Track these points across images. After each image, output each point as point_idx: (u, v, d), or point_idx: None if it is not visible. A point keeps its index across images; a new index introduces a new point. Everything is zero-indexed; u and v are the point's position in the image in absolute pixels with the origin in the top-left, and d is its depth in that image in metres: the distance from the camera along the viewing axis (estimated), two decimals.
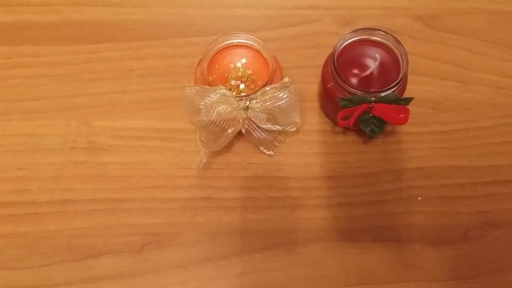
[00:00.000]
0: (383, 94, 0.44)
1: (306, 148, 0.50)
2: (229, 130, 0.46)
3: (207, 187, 0.49)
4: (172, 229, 0.48)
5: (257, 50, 0.50)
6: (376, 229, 0.47)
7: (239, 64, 0.50)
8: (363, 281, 0.46)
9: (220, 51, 0.50)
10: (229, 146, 0.50)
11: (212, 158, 0.50)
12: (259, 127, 0.48)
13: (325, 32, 0.55)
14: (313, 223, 0.48)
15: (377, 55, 0.46)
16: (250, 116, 0.46)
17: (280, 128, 0.49)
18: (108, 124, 0.52)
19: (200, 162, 0.48)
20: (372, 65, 0.46)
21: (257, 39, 0.49)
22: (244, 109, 0.46)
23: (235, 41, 0.50)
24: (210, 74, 0.49)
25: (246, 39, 0.50)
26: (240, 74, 0.49)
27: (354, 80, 0.47)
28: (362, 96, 0.44)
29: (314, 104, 0.52)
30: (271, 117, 0.48)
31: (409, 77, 0.47)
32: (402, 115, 0.45)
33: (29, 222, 0.48)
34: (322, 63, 0.49)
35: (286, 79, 0.46)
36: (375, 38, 0.47)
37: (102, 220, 0.48)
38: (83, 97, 0.53)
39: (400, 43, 0.45)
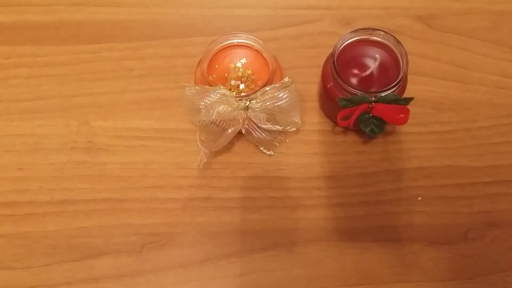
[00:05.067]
0: (383, 94, 0.44)
1: (306, 148, 0.50)
2: (229, 130, 0.46)
3: (207, 187, 0.49)
4: (172, 229, 0.48)
5: (257, 50, 0.50)
6: (376, 229, 0.47)
7: (239, 64, 0.50)
8: (363, 281, 0.46)
9: (220, 51, 0.50)
10: (229, 146, 0.50)
11: (212, 158, 0.50)
12: (259, 127, 0.48)
13: (325, 32, 0.55)
14: (313, 223, 0.48)
15: (377, 55, 0.46)
16: (250, 116, 0.46)
17: (280, 128, 0.49)
18: (108, 124, 0.52)
19: (200, 162, 0.48)
20: (372, 65, 0.46)
21: (257, 39, 0.49)
22: (244, 109, 0.46)
23: (235, 41, 0.50)
24: (210, 74, 0.49)
25: (246, 39, 0.50)
26: (240, 74, 0.49)
27: (354, 80, 0.47)
28: (362, 96, 0.44)
29: (314, 104, 0.52)
30: (271, 117, 0.48)
31: (409, 77, 0.47)
32: (402, 115, 0.45)
33: (29, 222, 0.48)
34: (322, 63, 0.49)
35: (286, 79, 0.46)
36: (375, 38, 0.47)
37: (102, 220, 0.48)
38: (83, 97, 0.53)
39: (400, 43, 0.45)
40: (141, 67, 0.54)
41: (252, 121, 0.47)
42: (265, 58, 0.49)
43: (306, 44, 0.55)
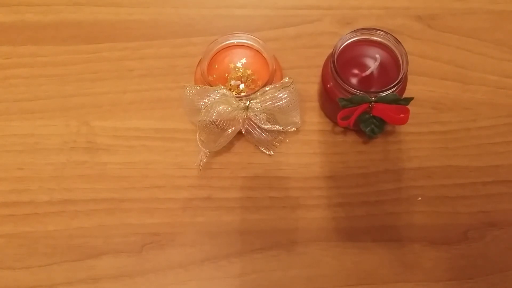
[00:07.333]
0: (383, 94, 0.44)
1: (306, 148, 0.50)
2: (229, 130, 0.46)
3: (207, 187, 0.49)
4: (172, 229, 0.48)
5: (257, 50, 0.50)
6: (376, 229, 0.47)
7: (239, 64, 0.50)
8: (363, 281, 0.46)
9: (220, 51, 0.50)
10: (229, 146, 0.50)
11: (212, 158, 0.50)
12: (259, 127, 0.48)
13: (325, 32, 0.55)
14: (313, 223, 0.48)
15: (377, 55, 0.46)
16: (250, 116, 0.46)
17: (280, 128, 0.49)
18: (108, 124, 0.52)
19: (200, 162, 0.48)
20: (372, 65, 0.46)
21: (257, 39, 0.49)
22: (244, 109, 0.46)
23: (235, 41, 0.50)
24: (210, 74, 0.49)
25: (246, 39, 0.50)
26: (240, 74, 0.49)
27: (354, 80, 0.47)
28: (362, 96, 0.44)
29: (314, 104, 0.52)
30: (271, 117, 0.48)
31: (409, 77, 0.47)
32: (402, 115, 0.45)
33: (29, 222, 0.48)
34: (322, 63, 0.49)
35: (286, 79, 0.46)
36: (375, 38, 0.47)
37: (102, 220, 0.48)
38: (83, 97, 0.53)
39: (400, 43, 0.45)
40: (141, 67, 0.54)
41: (252, 121, 0.47)
42: (265, 58, 0.49)
43: (306, 44, 0.55)
